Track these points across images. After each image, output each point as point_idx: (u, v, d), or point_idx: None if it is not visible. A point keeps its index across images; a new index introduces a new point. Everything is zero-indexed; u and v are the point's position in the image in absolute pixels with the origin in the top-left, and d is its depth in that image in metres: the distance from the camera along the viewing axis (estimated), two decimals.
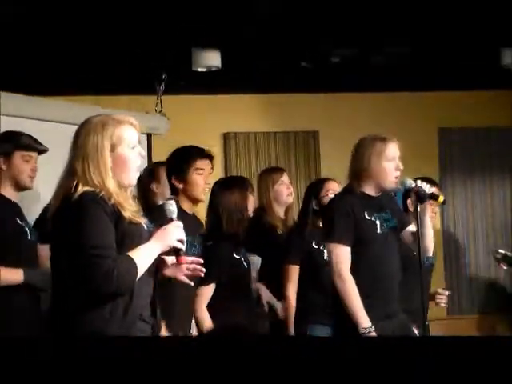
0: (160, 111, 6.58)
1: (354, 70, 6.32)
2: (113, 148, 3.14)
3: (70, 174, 3.13)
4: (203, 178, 4.38)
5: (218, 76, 6.00)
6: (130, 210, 3.12)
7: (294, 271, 5.07)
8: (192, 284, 3.39)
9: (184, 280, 3.32)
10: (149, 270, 3.16)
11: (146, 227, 3.20)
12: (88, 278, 3.02)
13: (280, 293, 5.13)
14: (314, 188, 5.25)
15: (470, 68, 6.42)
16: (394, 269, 4.27)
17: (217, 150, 7.21)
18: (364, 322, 4.08)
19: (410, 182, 4.31)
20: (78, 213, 3.05)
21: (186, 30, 5.39)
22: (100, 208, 3.05)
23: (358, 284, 4.15)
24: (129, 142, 3.18)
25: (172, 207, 3.27)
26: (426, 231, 4.32)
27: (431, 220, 4.91)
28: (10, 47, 5.29)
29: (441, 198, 4.31)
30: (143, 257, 3.10)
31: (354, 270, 4.18)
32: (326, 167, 7.25)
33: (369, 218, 4.24)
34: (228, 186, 4.76)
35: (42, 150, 4.55)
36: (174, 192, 4.32)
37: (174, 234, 3.18)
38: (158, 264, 3.27)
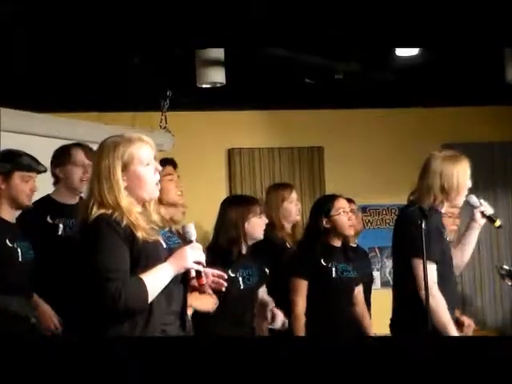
0: (164, 127, 6.60)
1: (357, 86, 6.33)
2: (125, 167, 3.21)
3: (88, 195, 3.23)
4: (173, 183, 4.53)
5: (223, 92, 6.02)
6: (145, 228, 3.17)
7: (303, 285, 5.04)
8: (214, 296, 3.41)
9: (208, 292, 3.38)
10: (175, 286, 3.21)
11: (164, 244, 3.24)
12: (98, 299, 3.11)
13: (289, 307, 5.10)
14: (324, 206, 5.20)
15: (473, 84, 6.44)
16: (455, 284, 4.47)
17: (221, 166, 7.24)
18: (455, 334, 4.21)
19: (476, 201, 4.47)
20: (91, 237, 3.15)
21: (191, 46, 5.41)
22: (112, 231, 3.12)
23: None
24: (141, 160, 3.25)
25: (191, 229, 3.32)
26: (468, 249, 4.53)
27: (452, 232, 5.01)
28: (12, 67, 5.31)
29: (497, 222, 4.43)
30: (156, 279, 3.14)
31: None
32: (330, 183, 7.25)
33: (444, 236, 4.37)
34: (230, 203, 4.85)
35: (41, 171, 4.58)
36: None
37: (190, 255, 3.22)
38: (185, 275, 3.31)
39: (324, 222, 5.09)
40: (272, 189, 5.70)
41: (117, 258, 3.11)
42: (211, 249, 4.68)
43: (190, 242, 3.29)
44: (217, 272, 3.36)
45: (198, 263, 3.24)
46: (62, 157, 4.72)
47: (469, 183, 4.38)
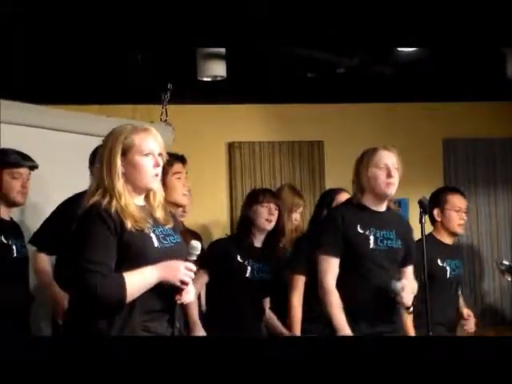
0: (165, 120, 6.59)
1: (359, 81, 6.33)
2: (124, 153, 3.22)
3: (94, 177, 3.28)
4: (181, 182, 4.41)
5: (224, 86, 6.01)
6: (134, 216, 3.15)
7: (301, 281, 5.04)
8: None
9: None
10: (162, 283, 3.18)
11: (156, 243, 3.20)
12: (73, 289, 3.14)
13: (285, 304, 5.11)
14: (326, 198, 5.24)
15: (474, 79, 6.43)
16: (383, 288, 4.22)
17: (221, 160, 7.23)
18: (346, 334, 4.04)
19: (396, 287, 4.21)
20: (81, 225, 3.14)
21: (192, 40, 5.40)
22: (102, 222, 3.11)
23: (343, 297, 4.14)
24: (141, 149, 3.24)
25: (195, 251, 3.28)
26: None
27: (459, 227, 5.05)
28: (13, 60, 5.30)
29: (409, 310, 4.28)
30: (138, 281, 3.11)
31: (342, 282, 4.18)
32: (330, 177, 7.25)
33: (361, 231, 4.23)
34: (247, 196, 5.12)
35: (31, 166, 4.59)
36: None
37: (181, 273, 3.19)
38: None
39: (324, 213, 5.12)
40: (288, 194, 5.66)
41: (102, 251, 3.08)
42: (230, 237, 4.98)
43: (186, 259, 3.26)
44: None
45: (183, 283, 3.21)
46: None
47: (378, 171, 4.29)
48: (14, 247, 4.46)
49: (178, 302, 3.25)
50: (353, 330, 4.05)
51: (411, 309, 4.22)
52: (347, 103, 7.29)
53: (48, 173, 4.74)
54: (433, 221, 5.18)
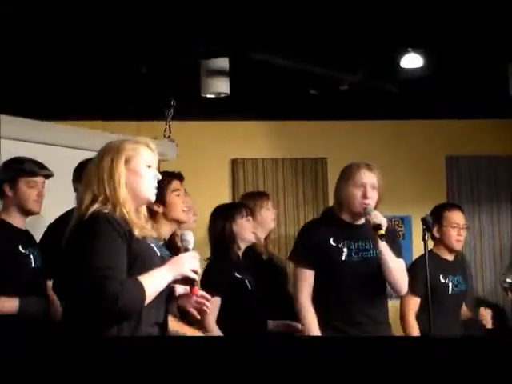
0: (168, 137, 6.60)
1: (362, 98, 6.34)
2: (127, 161, 3.19)
3: (84, 191, 3.18)
4: (181, 199, 4.36)
5: (227, 102, 6.02)
6: (139, 225, 3.13)
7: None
8: (199, 317, 3.37)
9: (192, 312, 3.32)
10: (160, 297, 3.16)
11: (158, 252, 3.20)
12: (93, 298, 2.99)
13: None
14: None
15: (477, 97, 6.44)
16: (357, 299, 4.26)
17: (225, 176, 7.24)
18: None
19: (369, 211, 4.29)
20: (89, 232, 3.06)
21: (196, 56, 5.42)
22: (111, 228, 3.06)
23: (318, 308, 4.23)
24: (144, 159, 3.23)
25: (189, 237, 3.30)
26: (386, 269, 4.29)
27: (457, 244, 4.95)
28: (14, 77, 5.33)
29: (381, 231, 4.21)
30: (154, 282, 3.09)
31: (316, 294, 4.26)
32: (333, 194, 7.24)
33: (334, 244, 4.28)
34: (216, 211, 5.00)
35: (46, 175, 4.60)
36: (152, 217, 4.01)
37: (187, 263, 3.19)
38: (169, 293, 3.27)
39: None
40: (247, 198, 5.72)
41: (116, 257, 3.03)
42: (220, 256, 4.81)
43: (187, 249, 3.27)
44: (202, 293, 3.31)
45: (194, 272, 3.21)
46: None
47: (355, 191, 4.31)
48: (31, 257, 4.47)
49: (198, 317, 3.28)
50: None
51: (383, 231, 4.16)
52: (350, 120, 7.30)
53: (50, 188, 4.74)
54: (432, 237, 5.18)
